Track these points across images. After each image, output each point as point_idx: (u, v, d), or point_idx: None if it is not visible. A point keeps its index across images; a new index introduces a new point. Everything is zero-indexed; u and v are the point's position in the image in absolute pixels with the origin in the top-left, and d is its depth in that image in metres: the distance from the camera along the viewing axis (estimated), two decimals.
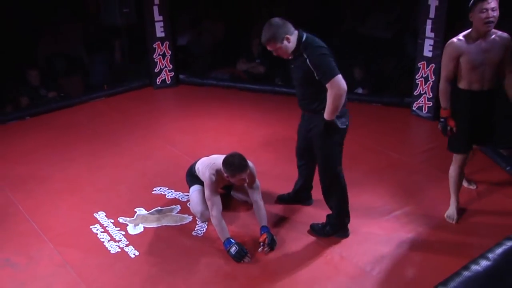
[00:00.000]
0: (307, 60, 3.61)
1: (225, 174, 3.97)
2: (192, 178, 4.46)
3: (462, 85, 3.94)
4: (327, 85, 3.56)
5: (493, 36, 3.81)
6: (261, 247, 3.97)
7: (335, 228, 4.07)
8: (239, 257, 3.87)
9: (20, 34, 6.99)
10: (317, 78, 3.60)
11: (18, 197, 4.86)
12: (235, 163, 3.90)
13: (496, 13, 3.66)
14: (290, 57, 3.77)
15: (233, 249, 3.89)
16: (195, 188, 4.40)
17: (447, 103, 4.00)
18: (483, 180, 4.81)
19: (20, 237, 4.29)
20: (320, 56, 3.61)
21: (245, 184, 4.14)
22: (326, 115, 3.64)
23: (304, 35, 3.68)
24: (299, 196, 4.57)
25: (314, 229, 4.16)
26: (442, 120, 4.07)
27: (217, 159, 4.20)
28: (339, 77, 3.56)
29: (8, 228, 4.42)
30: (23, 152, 5.75)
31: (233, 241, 3.94)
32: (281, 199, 4.61)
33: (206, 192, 4.08)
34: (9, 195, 4.91)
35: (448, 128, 4.04)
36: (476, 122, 4.01)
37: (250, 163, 4.05)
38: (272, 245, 3.99)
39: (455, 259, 3.82)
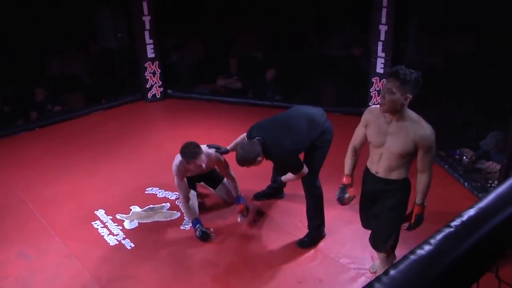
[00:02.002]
0: (274, 162, 3.87)
1: (185, 163, 3.91)
2: None
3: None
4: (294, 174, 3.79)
5: (407, 123, 2.76)
6: (240, 217, 4.09)
7: (314, 239, 3.99)
8: (204, 238, 4.01)
9: (28, 58, 6.91)
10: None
11: (29, 198, 4.80)
12: (188, 152, 3.84)
13: (394, 97, 2.66)
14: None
15: (197, 233, 4.02)
16: None
17: (349, 170, 3.24)
18: None
19: (32, 232, 4.27)
20: (282, 162, 3.76)
21: (219, 170, 4.26)
22: (284, 179, 4.03)
23: (263, 143, 3.56)
24: (273, 190, 4.58)
25: (300, 245, 3.96)
26: (340, 186, 3.27)
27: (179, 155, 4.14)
28: (304, 169, 3.69)
29: (21, 224, 4.38)
30: (32, 158, 5.67)
31: (199, 221, 4.06)
32: (257, 196, 4.62)
33: (175, 180, 4.07)
34: (21, 196, 4.85)
35: (346, 196, 3.22)
36: (366, 206, 3.21)
37: (210, 150, 4.06)
38: (244, 213, 4.14)
39: (406, 244, 3.92)
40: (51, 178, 5.19)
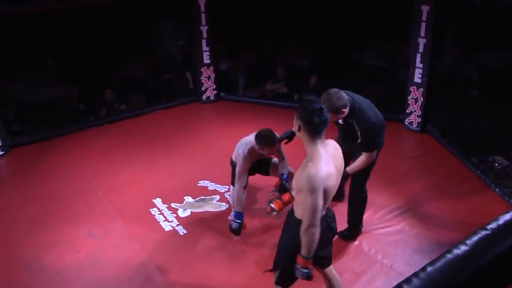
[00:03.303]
0: (355, 125, 3.34)
1: (257, 147, 3.64)
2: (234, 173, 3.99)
3: None
4: (363, 153, 3.43)
5: (304, 161, 2.42)
6: (273, 190, 3.72)
7: (353, 234, 3.90)
8: (236, 232, 3.67)
9: (99, 63, 7.17)
10: (358, 141, 3.39)
11: (97, 185, 4.97)
12: (268, 138, 3.56)
13: (294, 122, 2.47)
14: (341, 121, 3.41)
15: (234, 225, 3.66)
16: None
17: None
18: (459, 183, 4.73)
19: (99, 215, 4.42)
20: (361, 130, 3.33)
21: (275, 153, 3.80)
22: (349, 170, 3.54)
23: (354, 104, 3.27)
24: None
25: (340, 236, 3.81)
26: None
27: (249, 139, 3.83)
28: (373, 153, 3.42)
29: (90, 208, 4.55)
30: (101, 150, 5.85)
31: (242, 216, 3.68)
32: None
33: (237, 169, 3.76)
34: (91, 183, 5.02)
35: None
36: None
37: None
38: (280, 190, 3.66)
39: (440, 244, 3.80)
40: (116, 168, 5.34)
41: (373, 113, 3.38)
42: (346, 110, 3.22)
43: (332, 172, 2.38)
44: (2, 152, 5.78)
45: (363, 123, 3.31)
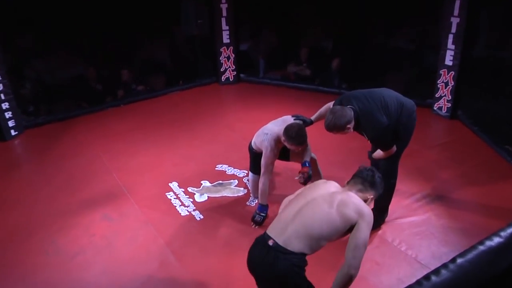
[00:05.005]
0: (364, 135, 3.39)
1: (283, 139, 3.59)
2: (255, 158, 4.00)
3: None
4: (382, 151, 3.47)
5: None
6: (298, 176, 3.72)
7: (377, 223, 3.78)
8: (257, 223, 3.87)
9: (116, 43, 7.16)
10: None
11: (113, 167, 5.01)
12: (299, 138, 3.52)
13: None
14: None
15: (258, 217, 3.88)
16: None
17: None
18: (490, 172, 4.61)
19: (115, 199, 4.45)
20: (373, 135, 3.36)
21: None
22: (374, 156, 3.58)
23: (356, 112, 3.26)
24: None
25: None
26: None
27: (273, 129, 3.77)
28: (393, 148, 3.42)
29: (106, 191, 4.58)
30: (118, 132, 5.89)
31: (266, 209, 3.86)
32: None
33: (263, 160, 3.76)
34: (107, 165, 5.07)
35: None
36: None
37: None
38: (306, 178, 3.69)
39: (466, 235, 3.73)
40: (132, 150, 5.38)
41: (385, 114, 3.30)
42: (351, 125, 3.24)
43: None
44: (16, 133, 5.84)
45: (372, 131, 3.32)
